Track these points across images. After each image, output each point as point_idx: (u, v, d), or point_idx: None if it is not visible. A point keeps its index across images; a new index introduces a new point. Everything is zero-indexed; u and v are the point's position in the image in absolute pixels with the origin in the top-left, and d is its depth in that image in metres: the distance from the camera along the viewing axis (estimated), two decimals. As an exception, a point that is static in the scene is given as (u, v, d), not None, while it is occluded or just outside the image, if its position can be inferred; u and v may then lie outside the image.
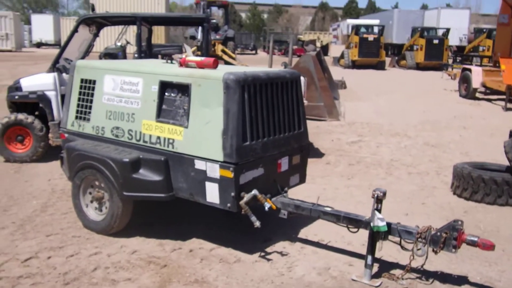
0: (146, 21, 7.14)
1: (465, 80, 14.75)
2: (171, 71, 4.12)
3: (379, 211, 3.63)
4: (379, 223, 3.58)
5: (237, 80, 3.79)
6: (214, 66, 4.06)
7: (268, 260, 4.02)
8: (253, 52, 45.82)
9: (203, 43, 7.30)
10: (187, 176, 4.03)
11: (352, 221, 3.88)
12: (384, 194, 3.62)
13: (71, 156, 4.47)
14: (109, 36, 18.08)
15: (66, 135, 4.75)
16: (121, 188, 4.13)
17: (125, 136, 4.34)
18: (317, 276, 3.78)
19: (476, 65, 17.43)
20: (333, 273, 3.85)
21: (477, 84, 14.09)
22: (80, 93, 4.63)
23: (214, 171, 3.87)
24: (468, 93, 14.50)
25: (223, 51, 16.40)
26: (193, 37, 16.34)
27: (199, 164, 3.94)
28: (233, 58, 16.42)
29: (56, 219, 4.72)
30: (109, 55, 16.61)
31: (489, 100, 14.74)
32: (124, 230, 4.38)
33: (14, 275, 3.63)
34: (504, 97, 13.20)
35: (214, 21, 16.61)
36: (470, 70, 14.61)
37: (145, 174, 4.12)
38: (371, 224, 3.60)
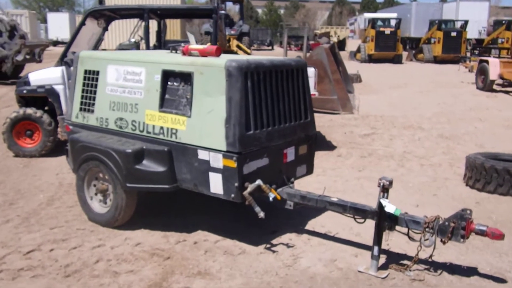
0: (154, 13, 7.10)
1: (482, 72, 14.42)
2: (174, 59, 4.06)
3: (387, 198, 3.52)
4: (392, 208, 3.47)
5: (240, 67, 3.71)
6: (217, 54, 3.99)
7: (274, 251, 3.94)
8: (270, 48, 45.61)
9: (212, 35, 7.23)
10: (191, 166, 3.97)
11: (359, 211, 3.78)
12: (391, 183, 3.52)
13: (75, 148, 4.45)
14: (123, 33, 18.22)
15: (71, 127, 4.74)
16: (125, 180, 4.09)
17: (129, 127, 4.30)
18: (322, 268, 3.70)
19: (494, 57, 17.04)
20: (339, 264, 3.76)
21: (494, 76, 13.76)
22: (84, 85, 4.61)
23: (217, 161, 3.81)
24: (485, 85, 14.17)
25: (238, 46, 16.27)
26: (208, 33, 16.27)
27: (202, 154, 3.88)
28: (248, 54, 16.32)
29: (62, 212, 4.71)
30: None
31: (507, 92, 14.39)
32: (129, 222, 4.35)
33: (15, 268, 3.62)
34: (522, 88, 12.88)
35: (223, 12, 16.44)
36: (487, 61, 14.27)
37: (148, 165, 4.08)
38: (389, 211, 3.48)
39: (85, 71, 4.59)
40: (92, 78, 4.54)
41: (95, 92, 4.55)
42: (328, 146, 7.74)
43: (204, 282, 3.47)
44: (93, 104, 4.57)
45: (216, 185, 3.88)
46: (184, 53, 4.12)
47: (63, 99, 6.45)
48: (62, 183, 5.62)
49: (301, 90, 4.35)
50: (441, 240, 3.47)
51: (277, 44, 49.09)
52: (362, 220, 3.84)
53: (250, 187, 3.77)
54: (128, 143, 4.19)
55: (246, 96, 3.76)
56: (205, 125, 3.85)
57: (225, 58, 3.95)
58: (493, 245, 4.06)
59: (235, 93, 3.71)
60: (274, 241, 4.13)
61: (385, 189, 3.50)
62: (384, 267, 3.68)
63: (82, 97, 4.67)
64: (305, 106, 4.43)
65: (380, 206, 3.52)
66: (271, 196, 3.82)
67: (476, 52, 22.95)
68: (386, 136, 8.63)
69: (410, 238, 3.65)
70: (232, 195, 3.82)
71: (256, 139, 3.87)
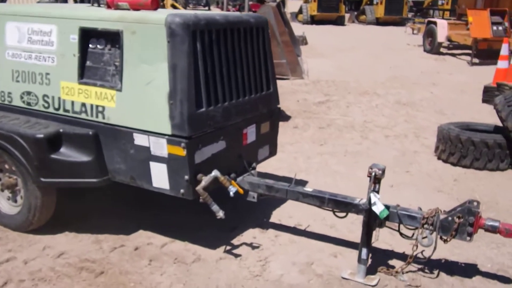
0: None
1: (430, 34, 14.12)
2: (95, 14, 3.05)
3: (377, 192, 2.82)
4: (379, 208, 2.78)
5: (186, 24, 2.80)
6: (153, 7, 3.02)
7: (236, 256, 3.17)
8: (206, 8, 43.61)
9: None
10: (125, 155, 3.07)
11: (340, 205, 3.07)
12: (383, 172, 2.81)
13: (-30, 132, 3.38)
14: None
15: (-37, 104, 3.64)
16: (37, 174, 3.12)
17: (40, 104, 3.29)
18: (298, 276, 2.98)
19: (439, 18, 16.86)
20: (318, 269, 3.06)
21: (442, 38, 13.49)
22: (-23, 48, 3.50)
23: (160, 148, 2.93)
24: (433, 47, 13.89)
25: (173, 5, 15.02)
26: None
27: (139, 139, 2.99)
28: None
29: (-42, 214, 3.67)
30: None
31: (453, 55, 14.23)
32: (49, 224, 3.41)
33: None
34: (469, 51, 12.69)
35: None
36: (435, 23, 13.95)
37: (68, 153, 3.12)
38: (375, 211, 2.78)
39: (-23, 30, 3.47)
40: (-14, 39, 3.44)
41: (-8, 58, 3.48)
42: (282, 116, 6.96)
43: (148, 308, 2.66)
44: (-8, 73, 3.50)
45: (160, 178, 3.02)
46: (109, 6, 3.11)
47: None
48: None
49: (262, 54, 3.51)
50: (442, 238, 2.84)
51: (214, 5, 47.17)
52: (343, 214, 3.14)
53: (205, 180, 2.94)
54: (39, 125, 3.20)
55: (195, 62, 2.87)
56: (142, 101, 2.94)
57: (165, 12, 3.02)
58: (485, 233, 3.51)
59: (180, 58, 2.81)
60: (235, 241, 3.36)
61: (377, 180, 2.79)
62: (371, 270, 3.01)
63: (-24, 64, 3.57)
64: (267, 74, 3.60)
65: (370, 201, 2.81)
66: (232, 190, 3.01)
67: (419, 14, 22.83)
68: (342, 103, 7.99)
69: (402, 235, 3.00)
70: (182, 191, 2.97)
71: (209, 118, 3.01)
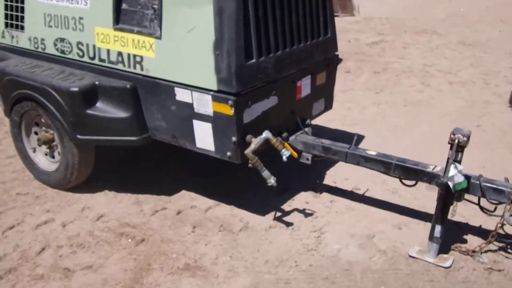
0: None
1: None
2: None
3: (459, 162, 2.40)
4: (458, 179, 2.37)
5: (235, -41, 2.35)
6: None
7: (287, 224, 2.87)
8: None
9: None
10: (166, 111, 2.75)
11: (410, 172, 2.67)
12: (468, 138, 2.37)
13: (2, 82, 3.13)
14: None
15: (-5, 50, 3.38)
16: (73, 130, 2.87)
17: (74, 52, 2.98)
18: (358, 251, 2.66)
19: None
20: (380, 244, 2.72)
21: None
22: (4, -11, 3.18)
23: (205, 105, 2.58)
24: (499, -22, 12.50)
25: None
26: None
27: (181, 95, 2.64)
28: None
29: (-3, 167, 3.53)
30: None
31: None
32: (89, 183, 3.21)
33: None
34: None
35: None
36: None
37: (104, 109, 2.83)
38: (449, 183, 2.38)
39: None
40: (13, -22, 3.11)
41: (22, 0, 3.15)
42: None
43: (194, 284, 2.42)
44: (22, 17, 3.18)
45: (204, 138, 2.69)
46: None
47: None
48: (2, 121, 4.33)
49: (320, -7, 3.01)
50: (534, 216, 2.42)
51: None
52: (412, 183, 2.75)
53: (255, 143, 2.60)
54: (74, 76, 2.90)
55: (245, 5, 2.44)
56: (184, 51, 2.56)
57: None
58: None
59: (227, 1, 2.38)
60: (285, 207, 3.05)
61: (460, 148, 2.36)
62: (442, 246, 2.64)
63: (6, 6, 3.26)
64: (325, 16, 3.12)
65: (449, 173, 2.39)
66: (286, 154, 2.65)
67: None
68: (397, 44, 7.30)
69: (484, 209, 2.59)
70: (228, 154, 2.65)
71: (260, 71, 2.61)
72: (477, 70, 5.97)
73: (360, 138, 4.03)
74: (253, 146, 2.58)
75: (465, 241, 2.72)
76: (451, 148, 2.37)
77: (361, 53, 6.78)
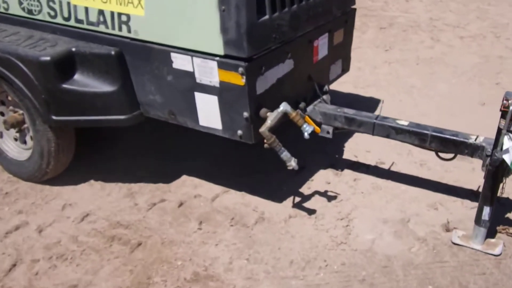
0: None
1: None
2: None
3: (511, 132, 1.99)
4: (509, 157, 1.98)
5: None
6: None
7: (309, 212, 2.46)
8: None
9: None
10: (161, 82, 2.27)
11: (449, 144, 2.27)
12: (528, 104, 1.95)
13: (-43, 53, 2.58)
14: None
15: None
16: (47, 110, 2.37)
17: (44, 12, 2.44)
18: (395, 241, 2.27)
19: None
20: (417, 229, 2.34)
21: None
22: None
23: (209, 73, 2.11)
24: None
25: None
26: None
27: (179, 61, 2.16)
28: None
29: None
30: None
31: None
32: (70, 172, 2.72)
33: None
34: None
35: None
36: None
37: (84, 82, 2.33)
38: (504, 157, 1.98)
39: None
40: None
41: (-28, -50, 2.57)
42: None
43: (207, 294, 2.02)
44: (-25, -28, 2.61)
45: (209, 114, 2.23)
46: None
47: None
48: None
49: None
50: None
51: None
52: (450, 156, 2.35)
53: (271, 118, 2.14)
54: (45, 42, 2.37)
55: None
56: (182, 7, 2.06)
57: None
58: None
59: None
60: (304, 190, 2.64)
61: (517, 117, 1.94)
62: (489, 230, 2.28)
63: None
64: (343, -38, 2.62)
65: (502, 146, 1.99)
66: (308, 130, 2.21)
67: None
68: (399, -4, 6.79)
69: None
70: (240, 133, 2.20)
71: (274, 30, 2.14)
72: (485, 23, 5.53)
73: (375, 101, 3.61)
74: (269, 122, 2.13)
75: (510, 221, 2.35)
76: (503, 116, 1.96)
77: (364, 8, 6.24)
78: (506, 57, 4.54)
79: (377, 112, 3.05)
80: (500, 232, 2.29)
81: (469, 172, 2.71)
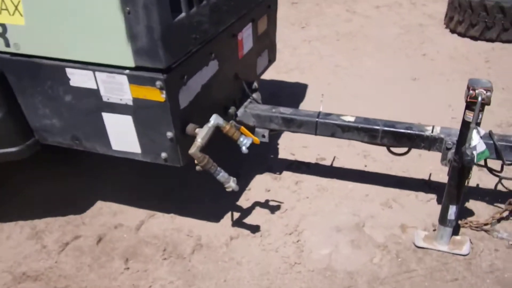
0: None
1: None
2: None
3: (479, 124, 1.81)
4: (481, 146, 1.81)
5: None
6: None
7: (253, 230, 2.16)
8: None
9: None
10: (57, 103, 1.82)
11: (403, 139, 2.07)
12: (491, 92, 1.76)
13: None
14: None
15: None
16: None
17: None
18: (354, 252, 2.05)
19: None
20: (375, 235, 2.14)
21: None
22: None
23: (118, 90, 1.70)
24: None
25: None
26: None
27: (78, 78, 1.73)
28: None
29: None
30: None
31: None
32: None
33: None
34: None
35: None
36: None
37: (-45, 113, 1.82)
38: (473, 153, 1.78)
39: None
40: None
41: None
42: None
43: None
44: None
45: (123, 137, 1.83)
46: None
47: None
48: None
49: None
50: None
51: None
52: (403, 151, 2.16)
53: (202, 135, 1.79)
54: None
55: None
56: (74, 10, 1.61)
57: None
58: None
59: None
60: (242, 202, 2.33)
61: (483, 106, 1.76)
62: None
63: None
64: None
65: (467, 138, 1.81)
66: (246, 143, 1.89)
67: None
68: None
69: (493, 172, 2.08)
70: (164, 155, 1.83)
71: (193, 29, 1.76)
72: (397, -11, 5.47)
73: (302, 87, 3.36)
74: (199, 141, 1.78)
75: (472, 213, 2.23)
76: (469, 108, 1.78)
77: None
78: (426, 24, 4.48)
79: (317, 108, 2.79)
80: (463, 226, 2.15)
81: (416, 159, 2.55)
